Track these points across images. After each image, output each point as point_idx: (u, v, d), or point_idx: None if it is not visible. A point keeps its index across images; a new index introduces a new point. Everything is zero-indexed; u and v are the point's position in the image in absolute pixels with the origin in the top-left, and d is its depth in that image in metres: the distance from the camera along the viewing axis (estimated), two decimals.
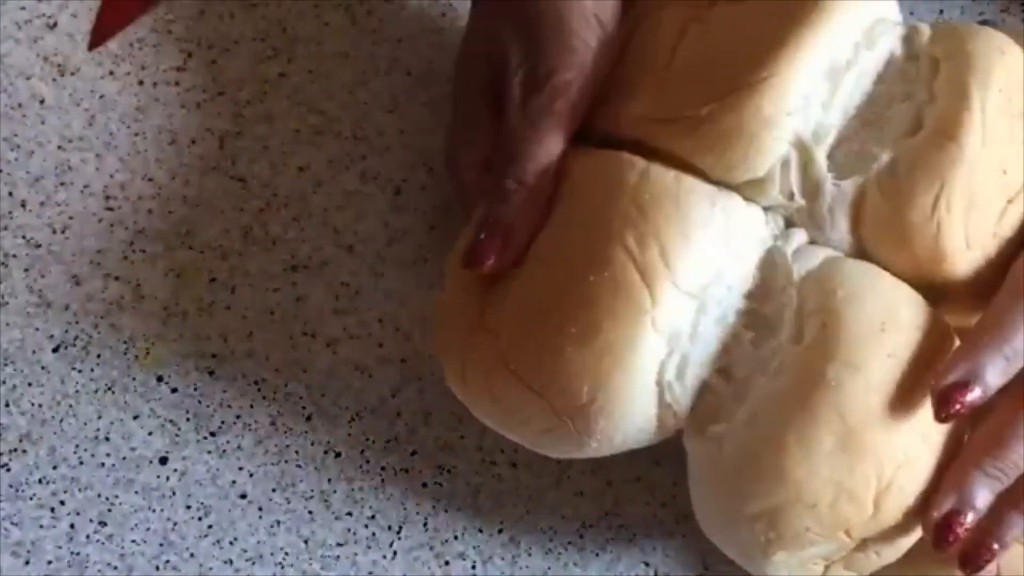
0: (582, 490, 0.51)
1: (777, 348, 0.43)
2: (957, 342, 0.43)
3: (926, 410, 0.41)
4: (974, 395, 0.41)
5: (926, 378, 0.42)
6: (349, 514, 0.51)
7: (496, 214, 0.45)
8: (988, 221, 0.43)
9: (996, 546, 0.41)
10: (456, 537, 0.51)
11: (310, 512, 0.51)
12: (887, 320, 0.42)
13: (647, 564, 0.51)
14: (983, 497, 0.41)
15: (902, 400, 0.41)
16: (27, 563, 0.49)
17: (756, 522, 0.42)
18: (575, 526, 0.51)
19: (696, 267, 0.43)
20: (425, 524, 0.51)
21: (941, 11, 0.64)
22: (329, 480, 0.51)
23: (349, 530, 0.51)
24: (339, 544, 0.50)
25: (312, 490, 0.51)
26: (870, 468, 0.41)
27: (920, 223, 0.42)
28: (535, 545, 0.51)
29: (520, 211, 0.45)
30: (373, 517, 0.51)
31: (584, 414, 0.43)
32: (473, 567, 0.50)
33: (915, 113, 0.43)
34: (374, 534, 0.51)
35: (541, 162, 0.45)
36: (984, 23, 0.46)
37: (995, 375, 0.41)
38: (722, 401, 0.44)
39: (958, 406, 0.40)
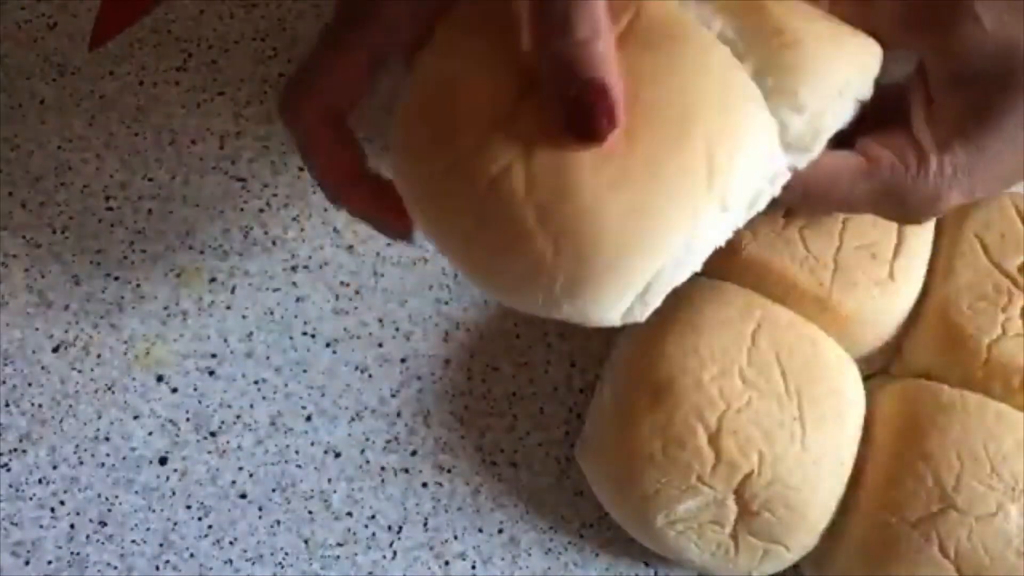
0: (582, 490, 0.51)
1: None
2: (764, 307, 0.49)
3: (743, 353, 0.46)
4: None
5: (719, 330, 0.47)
6: (349, 514, 0.51)
7: (594, 73, 0.38)
8: (766, 210, 0.46)
9: None
10: (456, 537, 0.51)
11: (310, 512, 0.51)
12: (685, 307, 0.48)
13: (647, 564, 0.51)
14: None
15: (700, 354, 0.46)
16: (27, 563, 0.49)
17: (628, 492, 0.47)
18: (575, 526, 0.51)
19: (744, 190, 0.40)
20: (425, 524, 0.51)
21: None
22: (329, 480, 0.51)
23: (349, 530, 0.51)
24: (339, 544, 0.50)
25: (312, 490, 0.51)
26: (689, 415, 0.46)
27: None
28: (535, 545, 0.51)
29: (606, 59, 0.38)
30: (373, 517, 0.51)
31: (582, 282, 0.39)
32: (473, 567, 0.50)
33: None
34: (374, 534, 0.51)
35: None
36: None
37: None
38: None
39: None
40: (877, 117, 0.42)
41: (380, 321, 0.54)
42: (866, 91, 0.42)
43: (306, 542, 0.50)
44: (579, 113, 0.38)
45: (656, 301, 0.40)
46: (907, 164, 0.43)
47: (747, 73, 0.40)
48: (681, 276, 0.40)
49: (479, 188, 0.39)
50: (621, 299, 0.39)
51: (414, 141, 0.41)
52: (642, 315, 0.40)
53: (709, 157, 0.38)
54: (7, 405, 0.52)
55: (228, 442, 0.52)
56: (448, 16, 0.43)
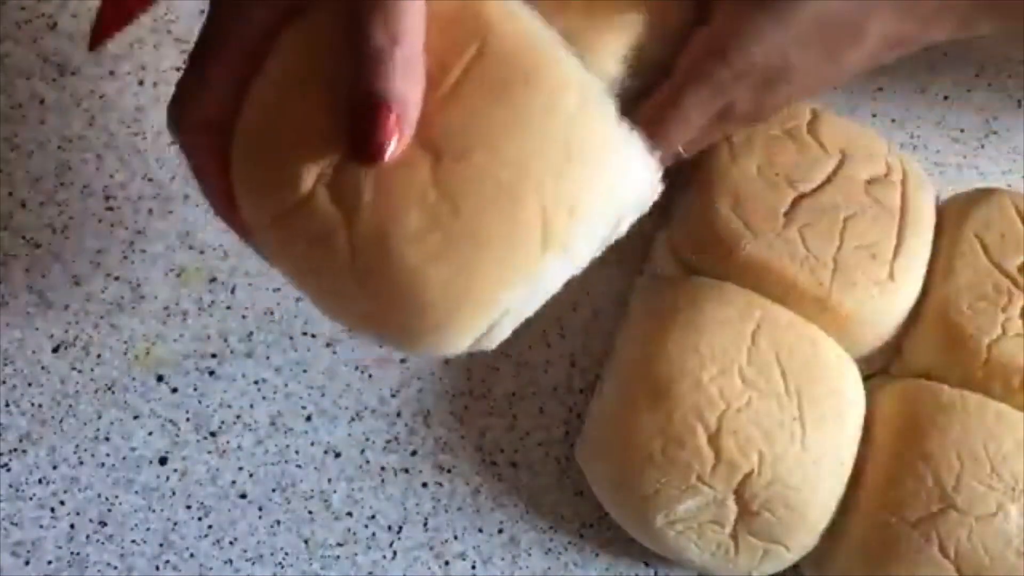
0: (582, 490, 0.51)
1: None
2: (761, 309, 0.49)
3: (743, 353, 0.47)
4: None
5: (726, 333, 0.48)
6: (349, 514, 0.51)
7: (379, 85, 0.36)
8: (766, 210, 0.50)
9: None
10: (456, 537, 0.51)
11: (310, 512, 0.51)
12: (685, 307, 0.49)
13: (647, 564, 0.51)
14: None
15: (700, 354, 0.47)
16: (27, 563, 0.49)
17: (628, 492, 0.47)
18: (575, 526, 0.51)
19: (591, 236, 0.39)
20: (425, 524, 0.51)
21: None
22: (329, 480, 0.51)
23: (349, 530, 0.51)
24: (339, 544, 0.50)
25: (312, 490, 0.51)
26: (689, 415, 0.46)
27: (708, 225, 0.50)
28: (535, 545, 0.51)
29: (407, 74, 0.36)
30: (373, 517, 0.51)
31: (414, 336, 0.39)
32: (473, 567, 0.50)
33: None
34: (374, 534, 0.51)
35: (416, 12, 0.36)
36: None
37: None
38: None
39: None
40: None
41: None
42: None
43: (306, 542, 0.50)
44: (358, 126, 0.36)
45: (505, 333, 0.39)
46: (694, 48, 0.43)
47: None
48: (530, 310, 0.39)
49: (300, 248, 0.38)
50: (458, 344, 0.39)
51: (244, 179, 0.40)
52: (491, 345, 0.39)
53: (544, 220, 0.37)
54: (7, 405, 0.52)
55: (228, 442, 0.52)
56: (295, 24, 0.39)
